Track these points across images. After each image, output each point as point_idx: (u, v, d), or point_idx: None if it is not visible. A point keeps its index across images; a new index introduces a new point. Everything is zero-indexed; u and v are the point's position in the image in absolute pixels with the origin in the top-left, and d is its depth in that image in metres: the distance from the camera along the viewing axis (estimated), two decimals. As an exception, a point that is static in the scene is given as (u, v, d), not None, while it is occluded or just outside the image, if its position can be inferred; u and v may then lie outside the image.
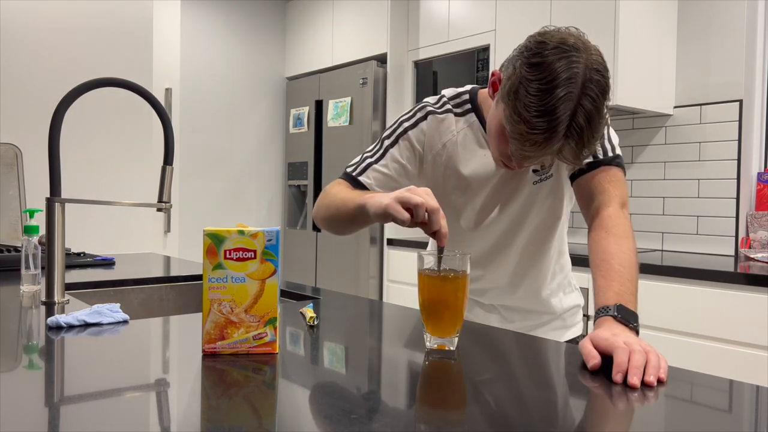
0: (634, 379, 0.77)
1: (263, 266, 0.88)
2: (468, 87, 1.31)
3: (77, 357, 0.89)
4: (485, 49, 3.25)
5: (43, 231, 1.31)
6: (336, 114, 3.99)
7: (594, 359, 0.84)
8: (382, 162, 1.26)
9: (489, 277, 1.36)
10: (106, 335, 1.01)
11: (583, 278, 2.13)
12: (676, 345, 2.22)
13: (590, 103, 0.97)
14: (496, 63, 3.16)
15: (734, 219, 2.67)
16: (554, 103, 0.96)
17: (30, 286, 1.35)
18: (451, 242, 1.31)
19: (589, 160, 1.16)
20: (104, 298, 1.52)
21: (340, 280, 3.91)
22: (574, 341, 1.42)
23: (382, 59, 3.78)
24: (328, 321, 1.17)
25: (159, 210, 1.36)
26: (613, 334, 0.86)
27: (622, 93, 2.63)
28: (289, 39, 4.62)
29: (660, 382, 0.79)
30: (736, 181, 2.66)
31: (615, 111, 2.79)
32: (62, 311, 1.19)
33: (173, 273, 1.73)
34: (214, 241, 0.87)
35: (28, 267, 1.34)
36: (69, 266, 1.78)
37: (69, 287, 1.48)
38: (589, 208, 1.16)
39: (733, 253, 2.67)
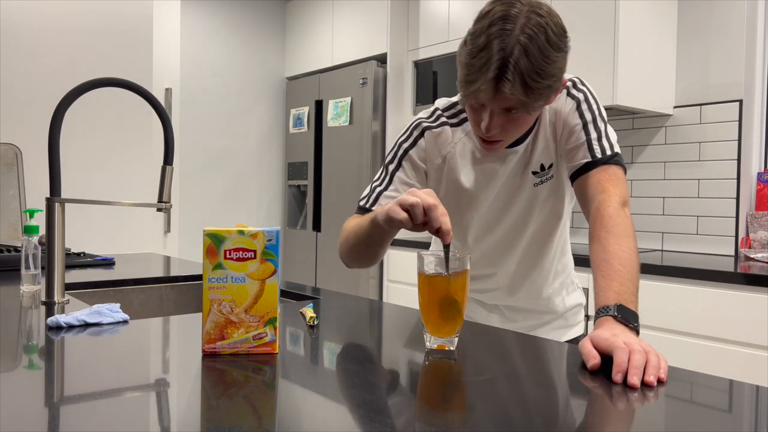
0: (634, 379, 0.77)
1: (263, 266, 0.88)
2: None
3: (77, 357, 0.89)
4: (485, 49, 3.25)
5: (43, 231, 1.31)
6: (336, 114, 3.99)
7: (594, 359, 0.84)
8: (391, 188, 1.27)
9: (491, 277, 1.37)
10: (106, 335, 1.01)
11: (585, 278, 2.12)
12: (676, 345, 2.22)
13: (527, 39, 1.01)
14: (496, 63, 3.15)
15: (734, 219, 2.67)
16: (488, 27, 1.02)
17: (30, 286, 1.35)
18: (454, 245, 1.32)
19: (588, 159, 1.17)
20: (104, 298, 1.52)
21: (340, 280, 3.91)
22: (576, 340, 1.42)
23: (382, 59, 3.78)
24: (328, 321, 1.17)
25: (159, 210, 1.36)
26: (613, 334, 0.86)
27: (622, 93, 2.63)
28: (289, 39, 4.61)
29: (660, 382, 0.79)
30: (736, 181, 2.66)
31: (615, 111, 2.79)
32: (62, 311, 1.19)
33: (173, 273, 1.73)
34: (214, 241, 0.87)
35: (28, 267, 1.34)
36: (69, 266, 1.78)
37: (69, 287, 1.48)
38: (590, 207, 1.16)
39: (733, 253, 2.67)
